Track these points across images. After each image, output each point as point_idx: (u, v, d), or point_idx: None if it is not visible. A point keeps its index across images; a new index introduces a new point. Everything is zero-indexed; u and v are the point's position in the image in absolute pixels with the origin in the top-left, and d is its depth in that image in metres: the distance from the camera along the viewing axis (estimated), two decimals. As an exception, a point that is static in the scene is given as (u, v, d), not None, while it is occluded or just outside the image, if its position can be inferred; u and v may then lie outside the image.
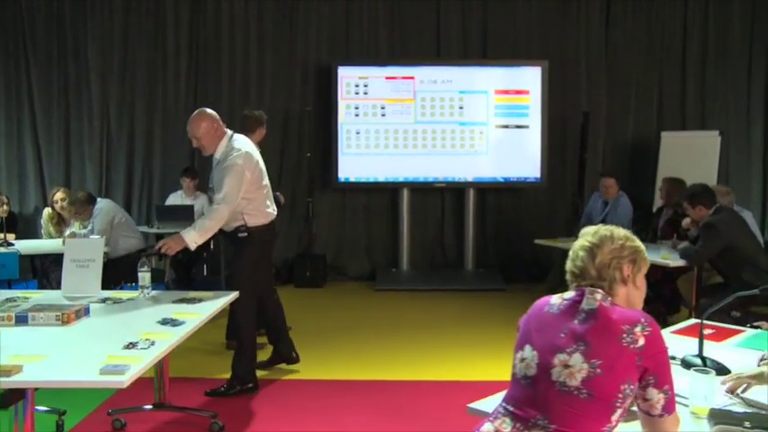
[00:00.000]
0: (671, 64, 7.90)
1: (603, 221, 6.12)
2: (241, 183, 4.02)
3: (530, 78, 7.58)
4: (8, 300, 3.40)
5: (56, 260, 5.92)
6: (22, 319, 2.93)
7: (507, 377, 1.89)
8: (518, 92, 7.60)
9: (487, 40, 7.95)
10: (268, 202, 4.35)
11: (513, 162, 7.66)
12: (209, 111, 4.23)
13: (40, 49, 7.97)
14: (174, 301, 3.41)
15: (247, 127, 5.07)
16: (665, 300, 5.60)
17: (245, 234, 4.18)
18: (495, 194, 8.07)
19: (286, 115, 8.03)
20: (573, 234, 7.14)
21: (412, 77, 7.58)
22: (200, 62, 7.99)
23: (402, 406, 3.95)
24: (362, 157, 7.63)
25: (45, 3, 7.91)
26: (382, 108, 7.59)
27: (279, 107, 8.01)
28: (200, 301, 3.42)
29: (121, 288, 5.77)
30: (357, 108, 7.60)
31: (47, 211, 6.16)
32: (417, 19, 7.93)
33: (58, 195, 6.01)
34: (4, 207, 6.00)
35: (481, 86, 7.59)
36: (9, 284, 5.86)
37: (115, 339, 2.68)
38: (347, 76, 7.57)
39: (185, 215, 6.78)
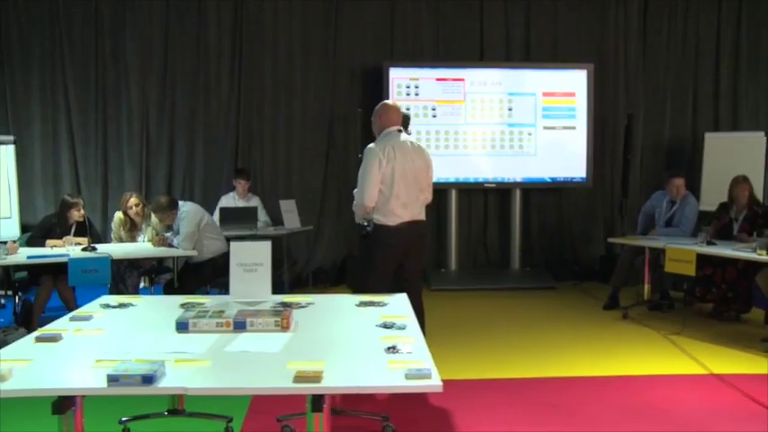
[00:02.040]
0: (705, 67, 8.18)
1: (670, 220, 6.34)
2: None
3: (576, 81, 7.75)
4: (184, 305, 3.33)
5: (131, 265, 5.80)
6: (240, 326, 2.88)
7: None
8: (565, 94, 7.76)
9: (530, 43, 8.09)
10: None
11: (559, 162, 7.81)
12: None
13: (76, 48, 7.75)
14: (358, 305, 3.40)
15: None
16: (741, 298, 5.81)
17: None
18: (537, 194, 8.20)
19: (331, 117, 7.99)
20: (629, 232, 7.39)
21: (462, 79, 7.65)
22: (243, 63, 7.88)
23: (557, 403, 4.01)
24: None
25: (82, 1, 7.67)
26: (433, 109, 7.64)
27: (325, 109, 7.98)
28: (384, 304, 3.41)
29: (207, 293, 5.68)
30: (408, 109, 7.59)
31: (118, 216, 6.00)
32: (461, 21, 8.02)
33: (132, 201, 5.87)
34: (81, 212, 5.83)
35: (529, 89, 7.72)
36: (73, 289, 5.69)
37: (359, 343, 2.67)
38: (398, 77, 7.59)
39: (249, 217, 6.71)
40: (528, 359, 4.92)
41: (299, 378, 2.21)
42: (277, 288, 4.85)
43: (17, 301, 5.77)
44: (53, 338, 2.71)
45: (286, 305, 3.31)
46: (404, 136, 4.47)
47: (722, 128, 8.08)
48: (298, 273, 7.72)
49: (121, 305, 3.35)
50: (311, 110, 7.99)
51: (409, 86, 7.62)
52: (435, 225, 8.12)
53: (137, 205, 5.86)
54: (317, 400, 2.24)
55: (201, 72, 7.86)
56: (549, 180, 7.81)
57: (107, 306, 3.34)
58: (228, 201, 7.17)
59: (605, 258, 8.02)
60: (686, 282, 6.44)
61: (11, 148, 6.96)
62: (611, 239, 6.62)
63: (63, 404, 2.23)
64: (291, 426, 3.58)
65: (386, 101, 4.71)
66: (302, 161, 8.00)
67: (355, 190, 4.39)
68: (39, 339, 2.70)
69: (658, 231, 6.38)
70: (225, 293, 4.69)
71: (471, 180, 7.74)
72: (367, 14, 7.94)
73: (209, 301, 3.47)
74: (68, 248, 5.52)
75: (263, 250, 3.56)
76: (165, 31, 7.81)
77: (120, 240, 5.94)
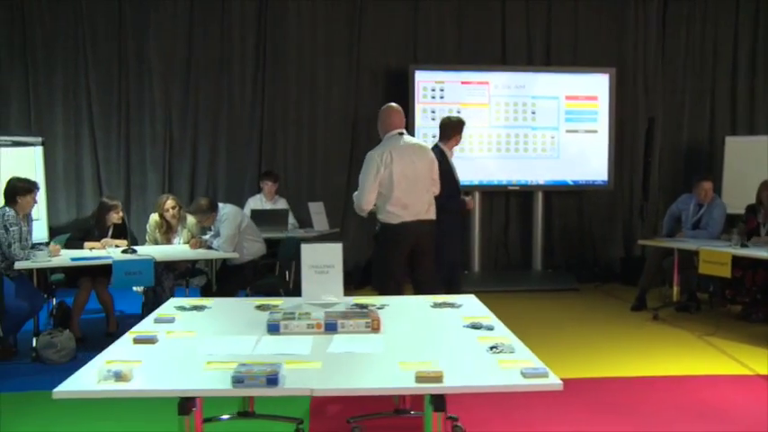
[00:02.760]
0: (722, 71, 8.29)
1: (697, 223, 6.42)
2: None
3: (598, 85, 7.83)
4: (260, 307, 3.34)
5: (167, 267, 5.77)
6: (331, 327, 2.90)
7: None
8: (587, 98, 7.84)
9: (551, 47, 8.16)
10: None
11: (581, 165, 7.89)
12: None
13: (99, 49, 7.71)
14: (433, 306, 3.43)
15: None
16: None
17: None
18: (557, 196, 8.27)
19: (355, 118, 8.01)
20: (650, 234, 7.47)
21: (487, 82, 7.70)
22: (267, 64, 7.88)
23: (613, 402, 4.06)
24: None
25: (105, 2, 7.64)
26: (458, 112, 7.67)
27: (348, 111, 8.00)
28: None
29: (248, 295, 5.68)
30: (434, 112, 7.66)
31: (154, 218, 5.97)
32: (483, 25, 8.08)
33: (169, 203, 5.84)
34: (120, 214, 5.81)
35: (552, 92, 7.78)
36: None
37: (457, 343, 2.71)
38: (424, 80, 7.63)
39: (280, 220, 6.72)
40: (570, 360, 4.95)
41: (421, 378, 2.23)
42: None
43: (53, 303, 5.73)
44: (150, 340, 2.71)
45: (362, 307, 3.34)
46: (405, 138, 4.65)
47: (739, 131, 8.19)
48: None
49: (196, 307, 3.35)
50: (335, 112, 8.01)
51: (434, 89, 7.66)
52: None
53: (173, 208, 5.84)
54: (439, 400, 2.26)
55: (225, 73, 7.86)
56: (571, 183, 7.88)
57: (182, 308, 3.33)
58: (256, 203, 7.17)
59: (626, 260, 8.11)
60: (712, 284, 6.56)
61: (38, 150, 6.91)
62: (641, 241, 6.69)
63: (186, 405, 2.23)
64: (361, 427, 3.60)
65: (389, 103, 4.83)
66: (326, 163, 8.02)
67: (355, 193, 4.61)
68: (137, 341, 2.70)
69: (686, 234, 6.46)
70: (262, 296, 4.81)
71: (495, 183, 7.78)
72: (390, 17, 7.98)
73: (281, 302, 3.47)
74: (108, 250, 5.50)
75: (335, 252, 3.58)
76: (188, 33, 7.80)
77: (156, 242, 5.92)
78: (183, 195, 7.85)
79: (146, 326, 2.99)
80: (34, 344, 5.00)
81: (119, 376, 2.23)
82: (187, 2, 7.75)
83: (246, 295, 5.65)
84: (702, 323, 6.01)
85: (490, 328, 2.95)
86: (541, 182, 7.85)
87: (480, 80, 7.70)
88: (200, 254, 5.52)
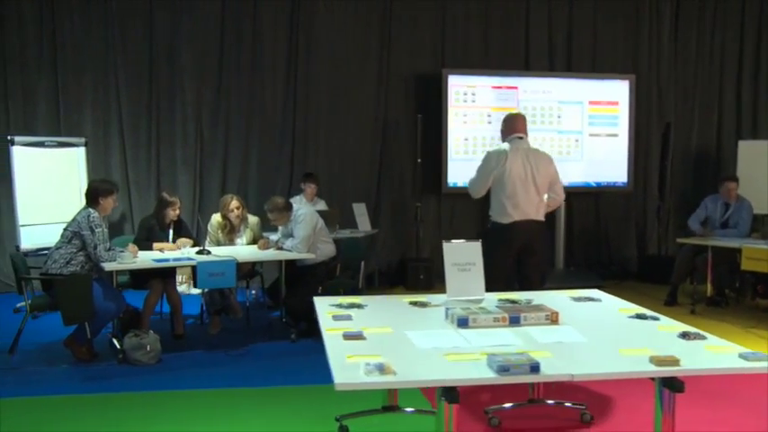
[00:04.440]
0: (729, 79, 8.78)
1: (726, 223, 6.81)
2: None
3: (619, 90, 8.18)
4: (415, 303, 3.46)
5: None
6: (514, 320, 3.05)
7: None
8: (609, 103, 8.18)
9: (572, 54, 8.48)
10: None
11: (603, 168, 8.22)
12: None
13: (129, 49, 7.63)
14: (575, 300, 3.61)
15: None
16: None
17: None
18: (576, 197, 8.58)
19: (385, 122, 8.15)
20: (665, 234, 7.87)
21: (516, 87, 7.96)
22: (299, 66, 7.94)
23: (722, 392, 4.30)
24: (470, 162, 7.88)
25: (136, 2, 7.56)
26: (488, 116, 7.91)
27: (378, 114, 8.14)
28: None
29: (319, 294, 5.73)
30: (465, 115, 7.86)
31: (216, 218, 5.97)
32: (508, 32, 8.33)
33: (234, 204, 5.85)
34: (177, 211, 5.78)
35: (577, 97, 8.10)
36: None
37: (645, 331, 2.91)
38: (456, 84, 7.82)
39: (330, 221, 6.79)
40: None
41: (660, 362, 2.42)
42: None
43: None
44: (359, 336, 2.82)
45: (513, 302, 3.50)
46: (524, 143, 4.82)
47: (744, 135, 8.68)
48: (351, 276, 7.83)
49: (354, 305, 3.45)
50: (365, 114, 8.12)
51: (466, 93, 7.86)
52: (474, 227, 8.42)
53: (237, 208, 5.86)
54: (677, 383, 2.45)
55: (256, 75, 7.88)
56: (593, 185, 8.21)
57: (340, 306, 3.43)
58: (296, 204, 7.19)
59: (644, 259, 8.49)
60: (738, 280, 6.98)
61: (82, 150, 6.80)
62: (679, 240, 7.02)
63: (455, 393, 2.35)
64: (498, 417, 3.76)
65: (512, 111, 5.01)
66: (356, 166, 8.12)
67: (471, 178, 4.96)
68: (347, 337, 2.80)
69: (716, 233, 6.83)
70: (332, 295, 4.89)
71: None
72: (418, 23, 8.15)
73: (424, 299, 3.61)
74: (184, 251, 5.49)
75: (475, 250, 3.74)
76: (220, 34, 7.79)
77: (218, 243, 5.92)
78: (214, 196, 7.84)
79: (330, 323, 3.08)
80: (117, 345, 4.97)
81: (382, 369, 2.34)
82: (218, 3, 7.73)
83: (318, 294, 5.71)
84: (738, 317, 6.38)
85: (656, 318, 3.16)
86: (566, 183, 8.08)
87: (510, 85, 7.95)
88: (276, 255, 5.56)
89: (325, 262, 5.70)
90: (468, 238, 8.40)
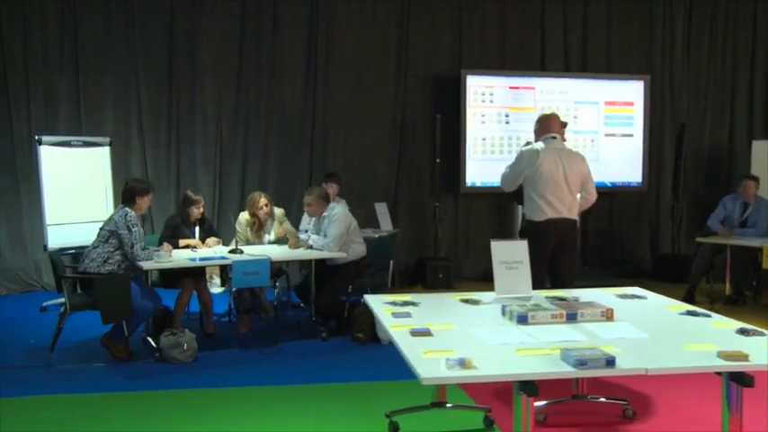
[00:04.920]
0: (741, 80, 8.88)
1: (744, 222, 6.91)
2: None
3: (634, 91, 8.28)
4: (466, 301, 3.53)
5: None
6: (571, 317, 3.12)
7: None
8: (624, 103, 8.28)
9: (587, 55, 8.57)
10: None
11: (619, 168, 8.31)
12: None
13: (150, 49, 7.66)
14: (619, 297, 3.70)
15: None
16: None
17: None
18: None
19: (403, 121, 8.21)
20: (679, 234, 7.98)
21: (533, 87, 8.04)
22: (318, 66, 7.99)
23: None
24: (488, 162, 7.98)
25: (156, 2, 7.60)
26: (506, 116, 7.99)
27: (396, 114, 8.20)
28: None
29: (348, 293, 5.80)
30: (483, 115, 7.94)
31: (245, 216, 6.01)
32: (523, 33, 8.41)
33: (263, 201, 5.90)
34: (201, 209, 5.82)
35: (593, 98, 8.19)
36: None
37: (700, 327, 2.99)
38: (474, 84, 7.90)
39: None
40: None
41: (729, 357, 2.49)
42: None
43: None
44: (426, 333, 2.88)
45: (562, 299, 3.57)
46: (558, 142, 4.89)
47: (757, 136, 8.78)
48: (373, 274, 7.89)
49: (408, 303, 3.51)
50: (383, 114, 8.18)
51: (484, 93, 7.94)
52: (492, 226, 8.51)
53: (266, 205, 5.91)
54: (747, 378, 2.52)
55: (276, 75, 7.92)
56: (609, 185, 8.29)
57: (394, 303, 3.49)
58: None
59: (658, 258, 8.59)
60: (756, 279, 7.09)
61: (106, 150, 6.83)
62: (699, 239, 7.11)
63: (534, 387, 2.42)
64: (545, 412, 3.82)
65: (546, 111, 5.09)
66: (374, 165, 8.17)
67: (504, 172, 5.07)
68: (414, 334, 2.86)
69: (735, 232, 6.92)
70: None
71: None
72: (436, 24, 8.21)
73: (476, 296, 3.68)
74: (215, 250, 5.53)
75: (522, 249, 3.81)
76: (239, 34, 7.83)
77: (247, 241, 5.96)
78: (234, 196, 7.91)
79: (393, 321, 3.13)
80: (153, 343, 5.02)
81: (463, 364, 2.40)
82: (238, 3, 7.77)
83: (347, 293, 5.79)
84: (756, 315, 6.44)
85: (707, 315, 3.23)
86: (582, 183, 8.21)
87: (527, 85, 8.03)
88: (307, 254, 5.61)
89: (356, 261, 5.75)
90: (484, 237, 8.55)
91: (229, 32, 7.79)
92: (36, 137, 6.52)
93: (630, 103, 8.30)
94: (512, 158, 7.63)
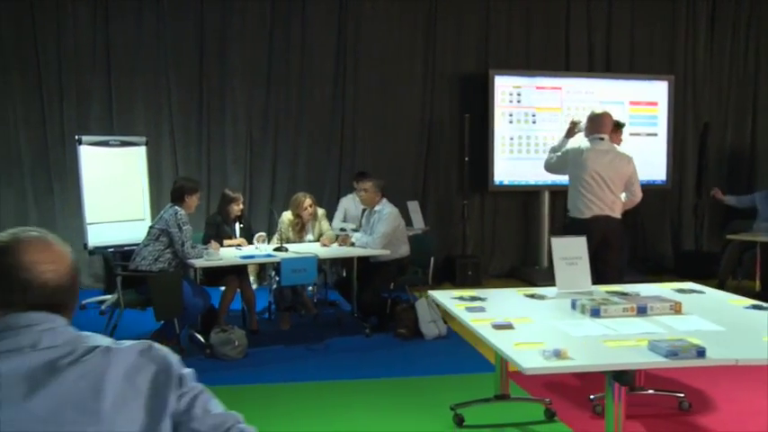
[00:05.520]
0: (763, 79, 8.98)
1: (773, 218, 7.00)
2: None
3: (658, 91, 8.37)
4: (531, 296, 3.62)
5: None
6: (641, 310, 3.20)
7: None
8: (649, 103, 8.37)
9: (610, 55, 8.66)
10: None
11: (643, 166, 8.33)
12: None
13: (180, 50, 7.73)
14: (676, 291, 3.77)
15: None
16: None
17: None
18: (615, 196, 8.76)
19: (431, 121, 8.29)
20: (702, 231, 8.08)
21: (560, 88, 8.13)
22: (347, 67, 8.06)
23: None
24: (516, 161, 8.07)
25: (187, 3, 7.67)
26: (533, 116, 8.07)
27: (425, 114, 8.28)
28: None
29: (390, 290, 5.88)
30: (511, 115, 8.03)
31: (287, 216, 6.09)
32: (549, 32, 8.49)
33: (308, 202, 5.98)
34: (240, 206, 5.90)
35: (618, 97, 8.28)
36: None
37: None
38: (502, 84, 7.98)
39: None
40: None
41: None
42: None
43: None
44: (508, 326, 2.96)
45: (623, 294, 3.65)
46: (604, 144, 4.97)
47: (776, 136, 8.92)
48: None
49: (476, 298, 3.59)
50: (411, 114, 8.26)
51: (512, 93, 8.03)
52: (519, 224, 8.59)
53: (311, 206, 5.99)
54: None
55: (305, 76, 7.99)
56: (634, 183, 8.36)
57: (462, 299, 3.57)
58: (349, 203, 7.33)
59: (680, 255, 8.69)
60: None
61: (143, 150, 6.90)
62: (729, 236, 7.21)
63: (627, 377, 2.50)
64: (602, 405, 3.90)
65: (596, 110, 5.16)
66: (403, 165, 8.25)
67: (548, 157, 5.30)
68: (496, 327, 2.94)
69: (761, 227, 7.01)
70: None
71: (566, 183, 8.18)
72: (463, 25, 8.29)
73: (540, 291, 3.76)
74: (260, 248, 5.61)
75: (581, 245, 3.89)
76: (269, 35, 7.90)
77: (287, 240, 6.03)
78: (264, 196, 7.98)
79: (466, 314, 3.22)
80: (202, 339, 5.09)
81: (558, 354, 2.48)
82: (268, 4, 7.85)
83: (390, 290, 5.87)
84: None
85: (771, 309, 3.32)
86: (607, 182, 8.31)
87: (554, 85, 8.12)
88: (351, 251, 5.69)
89: (398, 259, 5.83)
90: (511, 235, 8.66)
91: (259, 33, 7.87)
92: (76, 136, 6.59)
93: (655, 103, 8.40)
94: (540, 157, 7.98)
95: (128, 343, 1.34)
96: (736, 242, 7.08)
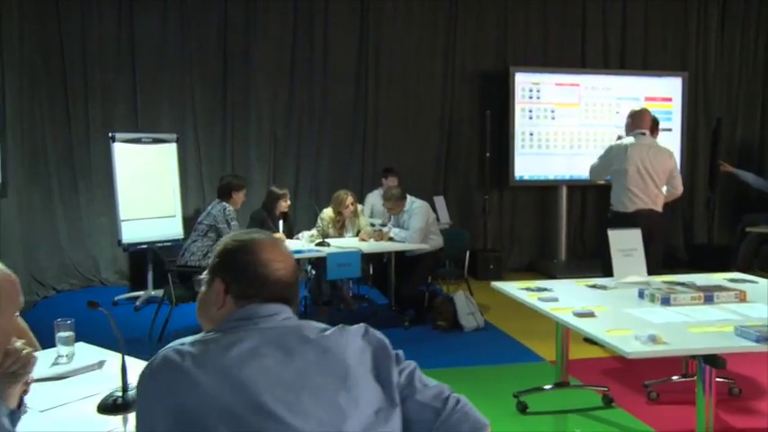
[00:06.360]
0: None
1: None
2: None
3: (673, 87, 8.55)
4: (593, 286, 3.75)
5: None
6: (708, 299, 3.34)
7: None
8: (663, 99, 8.54)
9: (625, 52, 8.83)
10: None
11: (658, 161, 8.55)
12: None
13: (204, 48, 7.78)
14: (730, 281, 3.91)
15: None
16: None
17: None
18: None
19: (451, 118, 8.40)
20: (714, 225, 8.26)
21: (578, 84, 8.27)
22: (369, 66, 8.16)
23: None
24: (536, 156, 8.21)
25: (210, 1, 7.72)
26: (552, 111, 8.22)
27: (445, 111, 8.39)
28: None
29: (428, 283, 6.00)
30: (530, 111, 8.17)
31: (328, 213, 6.17)
32: (565, 31, 8.63)
33: (350, 200, 6.07)
34: (287, 202, 5.98)
35: (634, 94, 8.44)
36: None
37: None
38: (522, 81, 8.12)
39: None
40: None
41: None
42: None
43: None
44: (590, 314, 3.08)
45: (681, 284, 3.79)
46: (647, 139, 5.12)
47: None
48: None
49: (541, 289, 3.71)
50: (432, 111, 8.37)
51: (531, 90, 8.17)
52: (537, 219, 8.74)
53: (352, 204, 6.08)
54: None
55: (328, 74, 8.07)
56: (649, 177, 8.54)
57: (529, 289, 3.69)
58: (375, 198, 7.43)
59: (692, 248, 8.88)
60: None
61: (173, 147, 6.95)
62: (749, 228, 7.39)
63: (720, 360, 2.63)
64: (657, 391, 4.05)
65: (636, 107, 5.31)
66: (424, 161, 8.36)
67: (592, 164, 5.39)
68: (578, 315, 3.06)
69: (780, 221, 7.22)
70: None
71: (583, 178, 8.34)
72: (482, 23, 8.42)
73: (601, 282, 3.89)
74: (303, 242, 5.69)
75: (636, 237, 4.03)
76: (292, 33, 7.97)
77: (326, 236, 6.11)
78: (288, 192, 8.03)
79: (543, 304, 3.34)
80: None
81: (654, 340, 2.61)
82: (291, 3, 7.92)
83: (428, 283, 5.98)
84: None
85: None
86: (624, 177, 8.48)
87: (572, 82, 8.27)
88: (390, 246, 5.79)
89: (434, 252, 5.95)
90: (529, 229, 8.79)
91: (282, 32, 7.94)
92: (109, 134, 6.63)
93: (669, 99, 8.57)
94: (558, 152, 8.17)
95: (350, 327, 1.46)
96: (754, 234, 7.26)
